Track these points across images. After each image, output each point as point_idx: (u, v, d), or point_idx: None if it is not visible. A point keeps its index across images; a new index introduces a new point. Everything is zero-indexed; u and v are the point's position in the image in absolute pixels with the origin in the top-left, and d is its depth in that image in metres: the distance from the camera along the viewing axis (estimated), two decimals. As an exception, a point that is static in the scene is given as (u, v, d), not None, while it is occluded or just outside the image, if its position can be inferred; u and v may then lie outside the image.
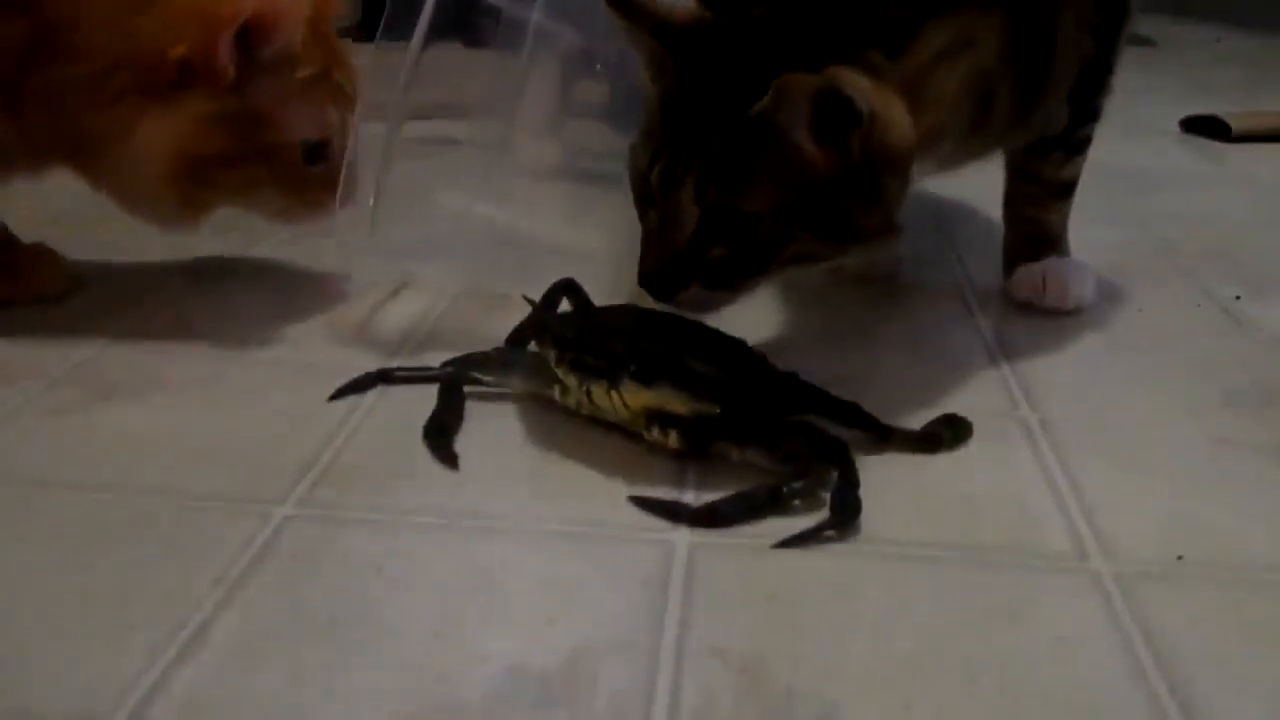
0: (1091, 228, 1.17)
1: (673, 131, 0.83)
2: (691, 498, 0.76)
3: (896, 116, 0.81)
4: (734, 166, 0.81)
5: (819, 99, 0.77)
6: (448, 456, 0.80)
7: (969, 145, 0.93)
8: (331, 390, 0.88)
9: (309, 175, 0.98)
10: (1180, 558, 0.71)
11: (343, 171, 0.95)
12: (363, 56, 1.00)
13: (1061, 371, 0.98)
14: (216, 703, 0.57)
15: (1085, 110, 1.02)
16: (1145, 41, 2.61)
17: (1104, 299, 1.11)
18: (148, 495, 0.74)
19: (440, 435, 0.82)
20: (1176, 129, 1.87)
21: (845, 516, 0.72)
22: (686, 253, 0.83)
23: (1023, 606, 0.67)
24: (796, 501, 0.74)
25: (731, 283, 0.85)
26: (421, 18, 0.93)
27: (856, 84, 0.78)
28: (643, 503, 0.74)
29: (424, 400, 0.85)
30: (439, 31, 0.99)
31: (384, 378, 0.90)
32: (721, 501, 0.74)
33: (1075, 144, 1.05)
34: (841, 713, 0.58)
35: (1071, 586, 0.69)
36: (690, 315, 0.85)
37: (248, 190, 0.97)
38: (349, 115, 0.98)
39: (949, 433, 0.84)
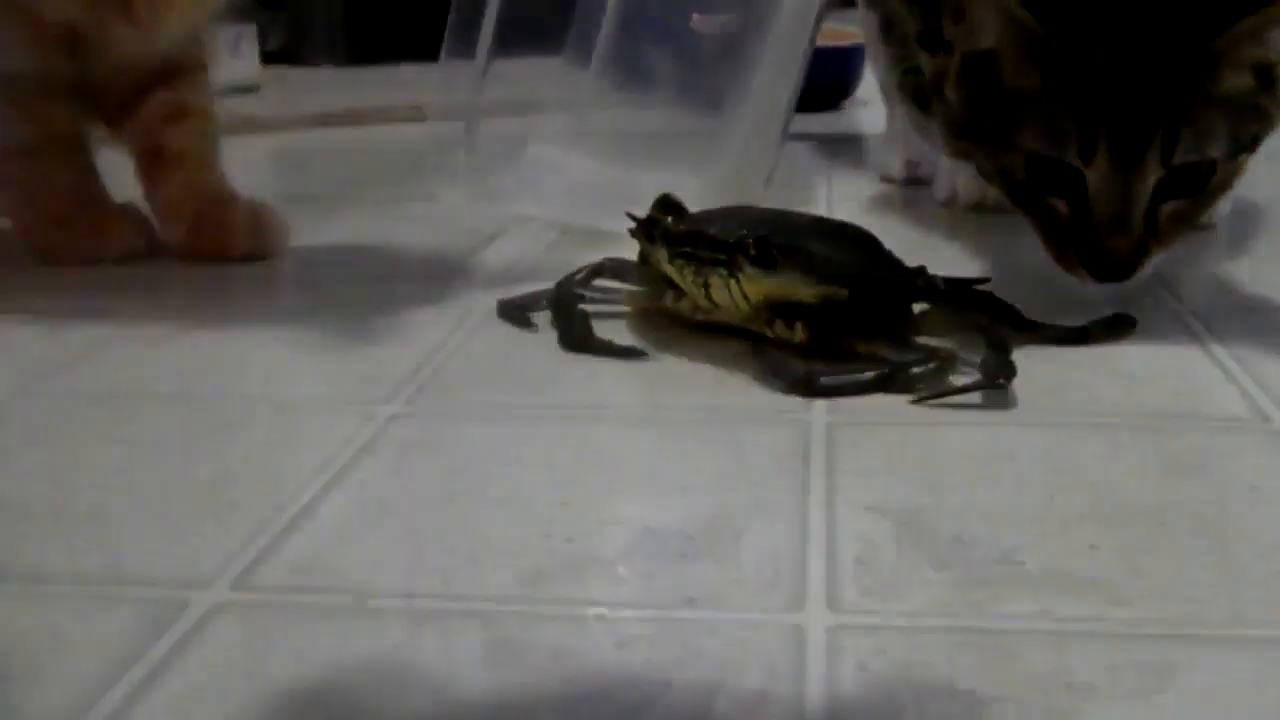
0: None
1: (1102, 105, 0.75)
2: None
3: None
4: (1198, 116, 0.75)
5: None
6: (624, 350, 0.76)
7: None
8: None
9: None
10: (1373, 414, 0.64)
11: None
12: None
13: (1205, 271, 0.91)
14: (330, 565, 0.52)
15: None
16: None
17: (1235, 213, 1.04)
18: (247, 401, 0.70)
19: (590, 336, 0.77)
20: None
21: (998, 374, 0.66)
22: (1145, 225, 0.77)
23: (1206, 462, 0.60)
24: (917, 385, 0.68)
25: (1177, 234, 0.79)
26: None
27: None
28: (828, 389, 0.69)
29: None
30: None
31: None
32: (830, 372, 0.69)
33: None
34: (1020, 555, 0.52)
35: (1256, 445, 0.62)
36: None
37: None
38: None
39: (1101, 328, 0.78)
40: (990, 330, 0.70)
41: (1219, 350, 0.74)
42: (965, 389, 0.66)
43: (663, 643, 0.46)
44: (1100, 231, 0.77)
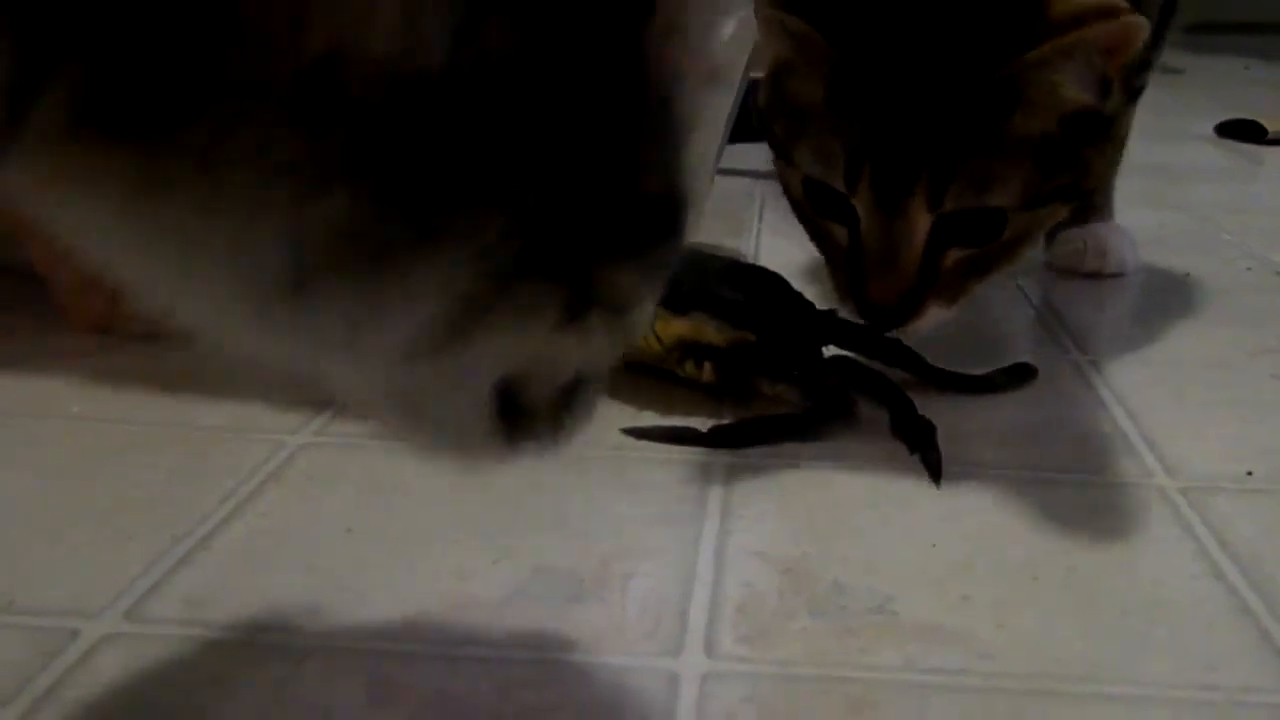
0: (1132, 211, 1.12)
1: (870, 132, 0.67)
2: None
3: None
4: (977, 156, 0.67)
5: (1108, 38, 0.64)
6: None
7: None
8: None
9: None
10: (1250, 473, 0.67)
11: None
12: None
13: (1111, 323, 0.95)
14: (222, 598, 0.53)
15: (1143, 63, 0.97)
16: (1173, 70, 2.59)
17: (1150, 268, 1.07)
18: (156, 426, 0.71)
19: None
20: (1212, 134, 1.84)
21: (923, 440, 0.67)
22: (921, 271, 0.69)
23: (1085, 516, 0.62)
24: (814, 433, 0.70)
25: (967, 288, 0.72)
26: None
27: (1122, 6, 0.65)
28: (645, 433, 0.70)
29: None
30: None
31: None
32: (733, 424, 0.70)
33: (1128, 97, 1.00)
34: (896, 604, 0.53)
35: (1137, 500, 0.64)
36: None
37: None
38: None
39: (1003, 377, 0.80)
40: (892, 396, 0.72)
41: (1113, 403, 0.77)
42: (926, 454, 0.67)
43: (540, 686, 0.47)
44: (868, 272, 0.70)
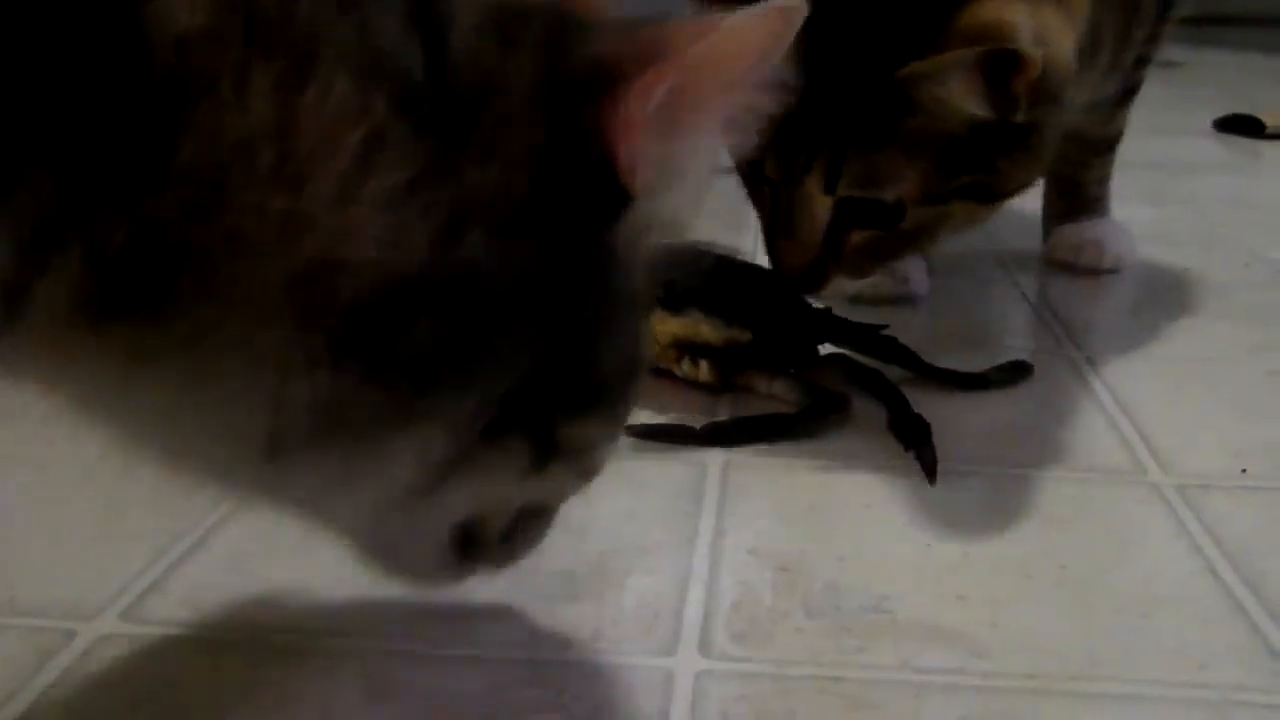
0: (1130, 207, 1.13)
1: (783, 115, 0.73)
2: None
3: (1057, 36, 0.70)
4: (871, 150, 0.71)
5: (989, 60, 0.66)
6: None
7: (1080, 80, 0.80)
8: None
9: None
10: (1244, 471, 0.67)
11: None
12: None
13: (1107, 319, 0.95)
14: (219, 599, 0.53)
15: (1141, 59, 0.97)
16: (1173, 64, 2.58)
17: (1148, 263, 1.07)
18: None
19: None
20: (1210, 129, 1.84)
21: (918, 438, 0.68)
22: (824, 247, 0.75)
23: (1079, 513, 0.63)
24: (808, 432, 0.70)
25: (874, 265, 0.78)
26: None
27: (1023, 26, 0.67)
28: (641, 431, 0.69)
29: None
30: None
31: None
32: (730, 421, 0.71)
33: (1125, 92, 1.01)
34: (891, 604, 0.54)
35: (1130, 496, 0.65)
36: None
37: None
38: None
39: (998, 374, 0.80)
40: (888, 394, 0.72)
41: (1107, 400, 0.77)
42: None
43: (535, 685, 0.47)
44: (778, 241, 0.77)
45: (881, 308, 0.91)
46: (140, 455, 0.37)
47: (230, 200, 0.30)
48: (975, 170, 0.72)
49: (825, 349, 0.79)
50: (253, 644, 0.50)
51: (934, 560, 0.58)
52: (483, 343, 0.35)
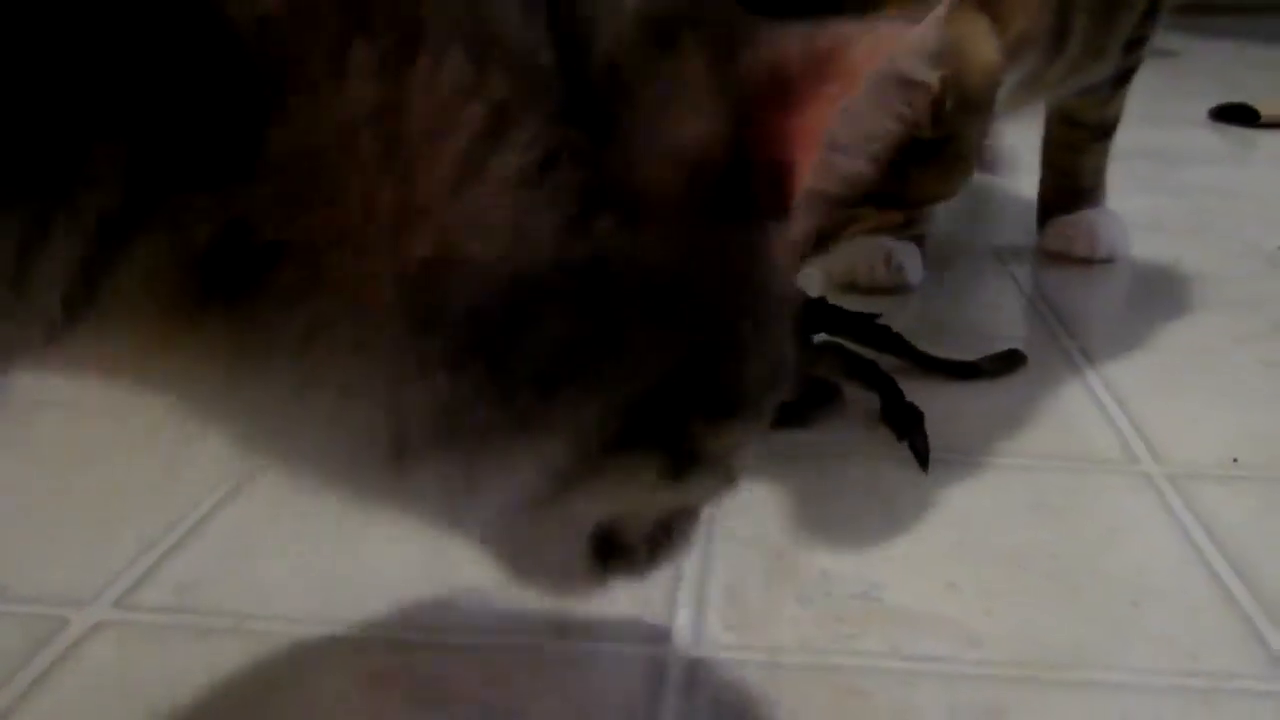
0: (1125, 197, 1.12)
1: None
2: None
3: (977, 47, 0.69)
4: None
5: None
6: None
7: (1046, 71, 0.84)
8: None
9: None
10: (1235, 460, 0.67)
11: None
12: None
13: (1100, 308, 0.95)
14: (213, 586, 0.53)
15: (1136, 41, 0.97)
16: (1168, 53, 2.58)
17: (1141, 253, 1.07)
18: (147, 414, 0.71)
19: None
20: (1205, 118, 1.84)
21: (911, 427, 0.68)
22: None
23: (1071, 502, 0.63)
24: (801, 421, 0.70)
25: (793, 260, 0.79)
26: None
27: (921, 45, 0.69)
28: None
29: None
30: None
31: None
32: None
33: (1121, 75, 1.00)
34: (883, 591, 0.54)
35: (1122, 485, 0.65)
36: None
37: None
38: None
39: (991, 363, 0.80)
40: (881, 383, 0.72)
41: (1101, 389, 0.77)
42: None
43: (528, 673, 0.47)
44: None
45: (875, 296, 0.92)
46: (266, 457, 0.36)
47: (331, 191, 0.28)
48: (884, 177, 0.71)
49: (819, 337, 0.79)
50: (245, 632, 0.50)
51: (926, 549, 0.58)
52: (608, 344, 0.33)
